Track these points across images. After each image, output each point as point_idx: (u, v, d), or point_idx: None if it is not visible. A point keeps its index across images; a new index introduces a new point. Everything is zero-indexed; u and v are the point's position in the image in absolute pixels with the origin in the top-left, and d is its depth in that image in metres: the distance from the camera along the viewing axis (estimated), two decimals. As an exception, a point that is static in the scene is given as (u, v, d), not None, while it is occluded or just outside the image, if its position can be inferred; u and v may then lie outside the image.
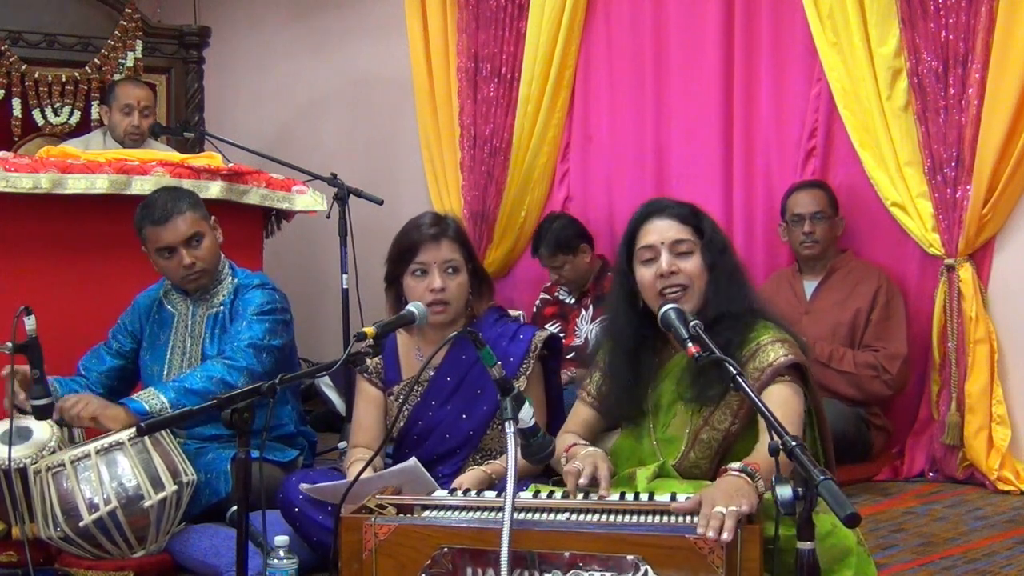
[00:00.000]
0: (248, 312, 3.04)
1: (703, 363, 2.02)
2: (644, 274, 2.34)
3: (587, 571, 1.87)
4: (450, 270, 2.66)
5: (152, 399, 2.79)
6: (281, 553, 2.20)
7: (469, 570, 1.92)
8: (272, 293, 3.11)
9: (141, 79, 4.95)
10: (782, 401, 2.18)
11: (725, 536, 1.79)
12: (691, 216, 2.38)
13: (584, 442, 2.39)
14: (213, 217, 3.17)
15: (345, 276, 4.22)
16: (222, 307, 3.13)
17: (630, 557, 1.85)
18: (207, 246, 3.08)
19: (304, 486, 2.49)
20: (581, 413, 2.52)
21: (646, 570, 1.84)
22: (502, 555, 1.68)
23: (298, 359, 3.45)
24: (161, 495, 2.66)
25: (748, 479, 1.98)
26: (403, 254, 2.68)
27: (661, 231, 2.35)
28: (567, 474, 2.16)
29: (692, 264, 2.33)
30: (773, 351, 2.26)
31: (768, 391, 2.20)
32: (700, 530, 1.82)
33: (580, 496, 2.10)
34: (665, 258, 2.31)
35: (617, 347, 2.43)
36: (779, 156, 4.24)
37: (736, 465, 2.02)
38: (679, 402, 2.35)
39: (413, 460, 2.32)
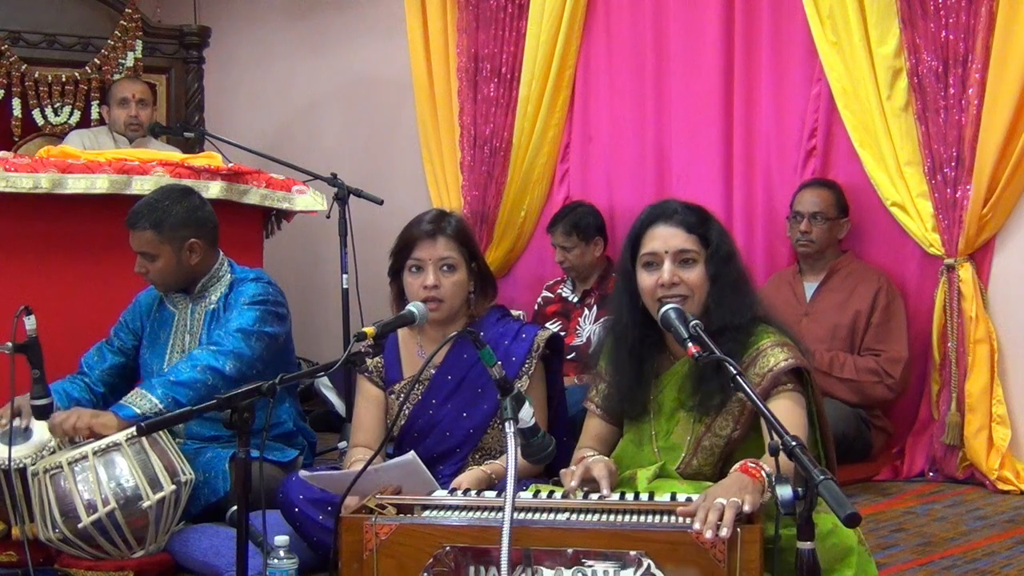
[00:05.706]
0: (240, 302, 3.06)
1: (703, 363, 2.00)
2: (645, 279, 2.30)
3: (590, 567, 1.87)
4: (445, 267, 2.66)
5: (140, 401, 2.78)
6: (281, 553, 2.20)
7: (471, 569, 1.91)
8: (266, 286, 3.12)
9: (140, 78, 4.96)
10: (784, 414, 2.12)
11: (723, 532, 1.79)
12: (698, 224, 2.32)
13: (592, 453, 2.36)
14: (191, 240, 3.05)
15: (345, 276, 4.22)
16: (218, 303, 3.14)
17: (633, 552, 1.84)
18: (159, 266, 3.06)
19: (303, 473, 2.47)
20: (593, 427, 2.48)
21: (648, 564, 1.84)
22: (502, 555, 1.67)
23: (295, 358, 3.45)
24: (159, 495, 2.65)
25: (753, 468, 1.97)
26: (401, 249, 2.70)
27: (665, 239, 2.30)
28: (562, 475, 2.18)
29: (695, 275, 2.28)
30: (773, 356, 2.24)
31: (769, 404, 2.14)
32: (696, 526, 1.81)
33: (581, 496, 2.09)
34: (667, 268, 2.27)
35: (620, 343, 2.40)
36: (779, 156, 4.23)
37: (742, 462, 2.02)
38: (681, 410, 2.34)
39: (412, 454, 2.31)
